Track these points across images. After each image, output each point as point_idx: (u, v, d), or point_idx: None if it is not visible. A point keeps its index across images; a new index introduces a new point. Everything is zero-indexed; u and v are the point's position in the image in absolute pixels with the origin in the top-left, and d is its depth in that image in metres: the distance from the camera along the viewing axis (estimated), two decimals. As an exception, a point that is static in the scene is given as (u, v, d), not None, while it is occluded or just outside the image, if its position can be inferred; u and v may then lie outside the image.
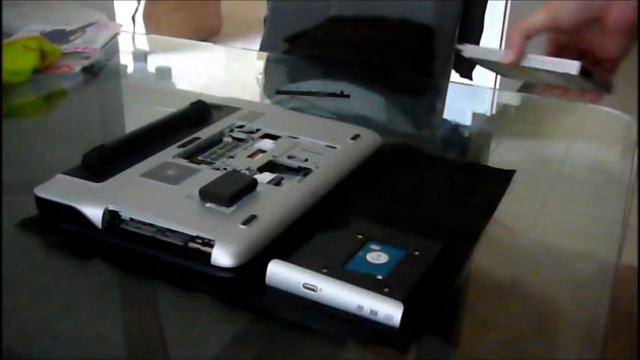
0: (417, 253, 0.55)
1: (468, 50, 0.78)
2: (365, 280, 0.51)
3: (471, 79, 1.30)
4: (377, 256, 0.55)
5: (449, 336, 0.54)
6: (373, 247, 0.56)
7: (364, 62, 1.13)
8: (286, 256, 0.53)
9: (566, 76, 0.70)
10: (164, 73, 1.19)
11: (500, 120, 1.04)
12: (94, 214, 0.58)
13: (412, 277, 0.53)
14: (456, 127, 0.99)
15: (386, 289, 0.50)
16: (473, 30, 1.28)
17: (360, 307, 0.50)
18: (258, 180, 0.62)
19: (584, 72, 0.68)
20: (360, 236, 0.57)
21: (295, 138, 0.74)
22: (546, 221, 0.69)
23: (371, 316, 0.49)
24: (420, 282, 0.52)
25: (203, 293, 0.54)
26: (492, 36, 2.75)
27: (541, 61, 0.71)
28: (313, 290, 0.51)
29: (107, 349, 0.48)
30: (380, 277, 0.52)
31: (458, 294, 0.57)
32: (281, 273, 0.52)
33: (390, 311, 0.49)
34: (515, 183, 0.73)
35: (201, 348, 0.48)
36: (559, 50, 0.74)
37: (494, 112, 1.11)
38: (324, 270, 0.52)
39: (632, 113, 0.98)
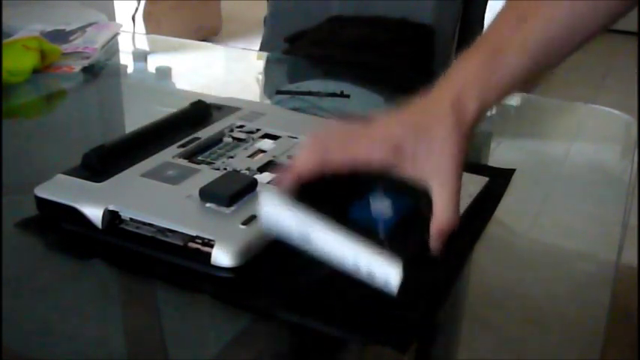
0: (425, 208, 0.53)
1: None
2: (366, 237, 0.48)
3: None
4: (384, 207, 0.52)
5: (449, 336, 0.54)
6: (381, 196, 0.53)
7: (364, 62, 1.13)
8: (287, 255, 0.53)
9: None
10: (164, 73, 1.19)
11: (500, 120, 1.04)
12: (94, 214, 0.58)
13: (416, 238, 0.50)
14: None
15: (387, 251, 0.47)
16: (473, 30, 1.28)
17: (355, 266, 0.47)
18: (258, 180, 0.62)
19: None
20: (370, 182, 0.54)
21: (295, 138, 0.74)
22: (546, 221, 0.69)
23: (367, 277, 0.47)
24: (420, 243, 0.50)
25: (203, 293, 0.54)
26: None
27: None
28: (309, 236, 0.48)
29: (107, 349, 0.48)
30: (382, 234, 0.50)
31: (458, 294, 0.57)
32: (276, 214, 0.49)
33: (387, 277, 0.47)
34: (515, 183, 0.73)
35: (201, 348, 0.48)
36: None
37: (494, 112, 1.11)
38: (324, 215, 0.48)
39: (632, 113, 0.98)
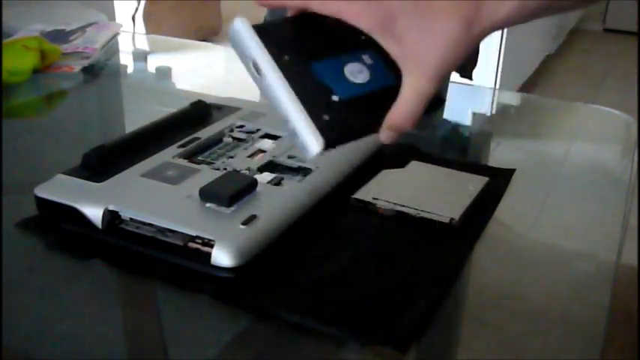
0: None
1: None
2: (314, 94, 0.43)
3: (470, 79, 1.30)
4: (358, 71, 0.46)
5: (449, 336, 0.54)
6: (365, 58, 0.47)
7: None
8: (287, 255, 0.53)
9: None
10: (164, 73, 1.19)
11: (500, 120, 1.04)
12: (94, 214, 0.58)
13: (369, 117, 0.44)
14: (456, 127, 0.99)
15: (326, 117, 0.42)
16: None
17: (286, 120, 0.43)
18: (258, 180, 0.62)
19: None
20: (362, 37, 0.46)
21: (295, 138, 0.74)
22: (546, 221, 0.69)
23: (292, 135, 0.43)
24: (369, 125, 0.44)
25: (203, 293, 0.54)
26: (492, 36, 2.75)
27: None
28: (258, 74, 0.43)
29: (107, 349, 0.48)
30: (336, 97, 0.44)
31: (458, 294, 0.57)
32: (241, 37, 0.44)
33: (308, 144, 0.42)
34: (515, 183, 0.73)
35: (201, 348, 0.48)
36: None
37: (494, 112, 1.11)
38: (285, 58, 0.43)
39: (632, 113, 0.98)
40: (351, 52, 0.46)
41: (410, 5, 0.46)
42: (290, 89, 0.42)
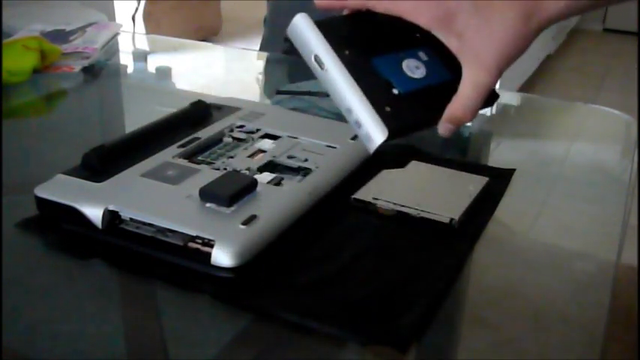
0: (458, 87, 0.48)
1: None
2: (376, 87, 0.45)
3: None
4: (415, 67, 0.48)
5: (449, 336, 0.54)
6: (421, 54, 0.49)
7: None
8: (287, 255, 0.53)
9: None
10: (164, 73, 1.19)
11: (500, 120, 1.04)
12: (94, 214, 0.58)
13: (428, 110, 0.46)
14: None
15: (388, 109, 0.44)
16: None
17: (348, 111, 0.44)
18: (258, 180, 0.62)
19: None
20: (417, 35, 0.49)
21: (295, 138, 0.74)
22: (546, 221, 0.69)
23: (355, 126, 0.45)
24: (429, 118, 0.46)
25: (203, 293, 0.54)
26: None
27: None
28: (320, 67, 0.45)
29: (107, 349, 0.48)
30: (396, 91, 0.46)
31: (458, 294, 0.57)
32: (302, 32, 0.46)
33: (372, 133, 0.44)
34: (515, 183, 0.73)
35: (201, 348, 0.48)
36: None
37: (494, 112, 1.11)
38: (346, 52, 0.45)
39: (632, 113, 0.98)
40: (407, 49, 0.48)
41: (469, 3, 0.48)
42: (353, 81, 0.44)
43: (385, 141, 0.43)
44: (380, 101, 0.44)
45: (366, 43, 0.47)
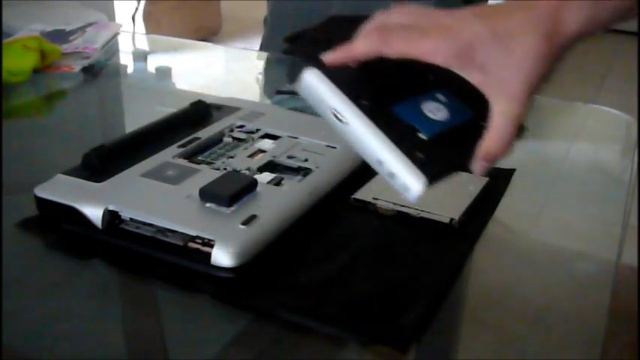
0: (482, 123, 0.46)
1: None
2: (403, 134, 0.43)
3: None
4: (436, 109, 0.47)
5: (449, 336, 0.54)
6: (439, 96, 0.48)
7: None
8: (287, 255, 0.53)
9: None
10: (164, 73, 1.19)
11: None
12: (94, 214, 0.58)
13: (459, 151, 0.45)
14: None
15: (419, 154, 0.43)
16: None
17: (379, 163, 0.43)
18: (258, 180, 0.62)
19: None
20: (430, 77, 0.48)
21: (295, 138, 0.74)
22: (546, 221, 0.69)
23: (388, 177, 0.43)
24: (463, 159, 0.45)
25: (203, 293, 0.54)
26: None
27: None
28: (340, 121, 0.44)
29: (107, 349, 0.48)
30: (423, 136, 0.44)
31: (458, 294, 0.57)
32: (315, 87, 0.44)
33: (410, 183, 0.42)
34: (515, 183, 0.73)
35: (201, 348, 0.48)
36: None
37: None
38: (364, 103, 0.44)
39: (632, 113, 0.98)
40: (424, 92, 0.47)
41: (486, 31, 0.46)
42: (380, 132, 0.42)
43: (425, 188, 0.42)
44: (410, 148, 0.43)
45: (382, 90, 0.46)
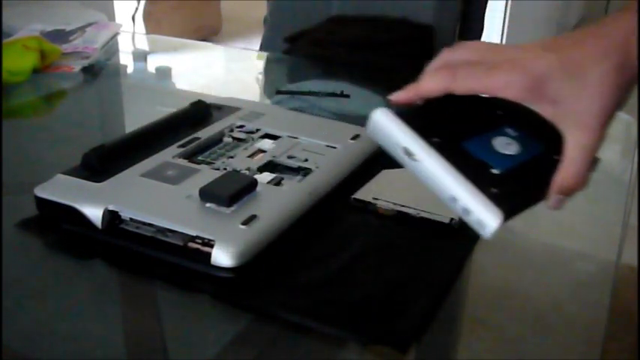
0: (555, 157, 0.46)
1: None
2: (475, 170, 0.43)
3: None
4: (506, 144, 0.47)
5: (449, 336, 0.54)
6: (509, 130, 0.48)
7: (364, 62, 1.13)
8: (287, 255, 0.53)
9: None
10: (164, 73, 1.19)
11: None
12: (94, 214, 0.58)
13: (533, 185, 0.45)
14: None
15: (494, 190, 0.43)
16: (473, 30, 1.28)
17: (452, 200, 0.43)
18: (258, 180, 0.62)
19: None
20: (499, 112, 0.48)
21: (295, 138, 0.74)
22: (546, 221, 0.69)
23: (463, 214, 0.43)
24: (537, 193, 0.45)
25: (203, 293, 0.54)
26: (492, 36, 2.75)
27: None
28: (412, 159, 0.44)
29: (107, 349, 0.48)
30: (496, 171, 0.45)
31: (458, 294, 0.57)
32: (385, 126, 0.45)
33: (485, 219, 0.42)
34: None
35: (201, 348, 0.48)
36: None
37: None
38: (434, 139, 0.44)
39: (632, 113, 0.97)
40: (494, 127, 0.47)
41: (556, 63, 0.45)
42: (452, 168, 0.42)
43: (501, 223, 0.42)
44: (484, 184, 0.43)
45: (452, 126, 0.46)
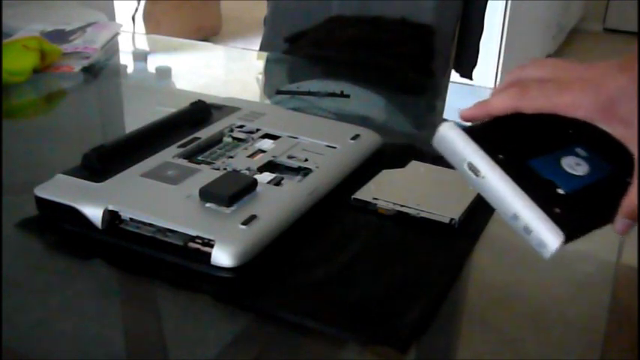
0: (626, 179, 0.45)
1: None
2: (540, 189, 0.43)
3: (471, 78, 1.30)
4: (575, 164, 0.46)
5: (449, 336, 0.54)
6: (578, 150, 0.47)
7: (364, 62, 1.13)
8: (287, 255, 0.53)
9: None
10: (164, 73, 1.19)
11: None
12: (94, 214, 0.58)
13: (600, 207, 0.44)
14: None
15: (557, 210, 0.42)
16: (473, 30, 1.28)
17: (514, 218, 0.43)
18: (258, 180, 0.62)
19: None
20: (569, 131, 0.48)
21: (295, 138, 0.74)
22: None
23: (524, 232, 0.43)
24: (603, 215, 0.44)
25: (203, 293, 0.54)
26: (492, 36, 2.75)
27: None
28: (476, 174, 0.44)
29: (107, 349, 0.48)
30: (562, 191, 0.44)
31: (458, 294, 0.57)
32: (451, 141, 0.45)
33: (546, 239, 0.42)
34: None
35: (201, 348, 0.48)
36: None
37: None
38: (500, 157, 0.44)
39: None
40: (563, 147, 0.47)
41: (627, 84, 0.45)
42: (516, 186, 0.42)
43: (562, 244, 0.42)
44: (547, 204, 0.42)
45: (519, 145, 0.46)
